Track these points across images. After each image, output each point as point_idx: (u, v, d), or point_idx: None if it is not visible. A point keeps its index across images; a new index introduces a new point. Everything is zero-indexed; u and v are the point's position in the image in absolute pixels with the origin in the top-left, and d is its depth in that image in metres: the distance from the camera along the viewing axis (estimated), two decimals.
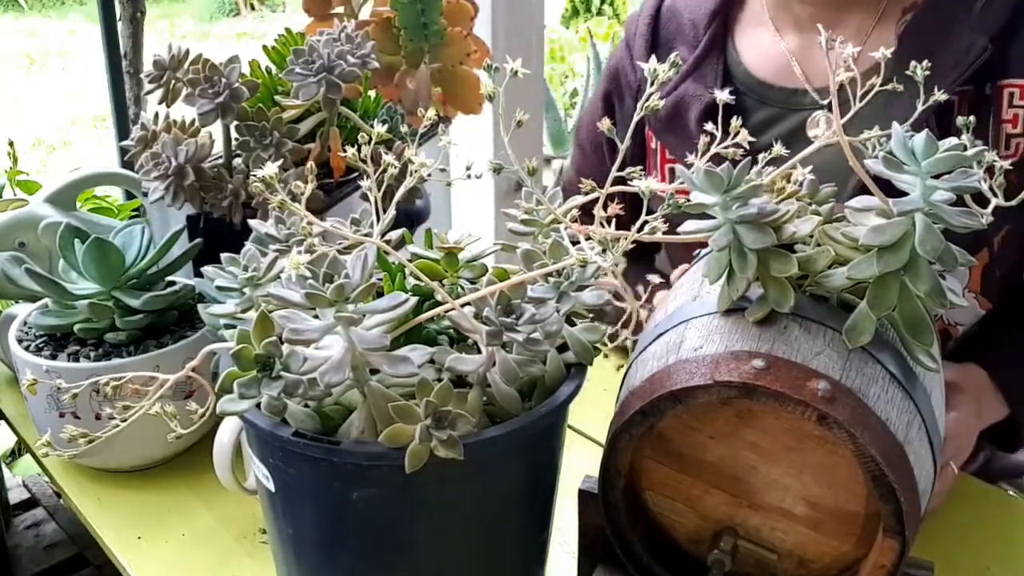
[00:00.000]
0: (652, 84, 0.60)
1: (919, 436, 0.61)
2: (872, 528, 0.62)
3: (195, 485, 0.93)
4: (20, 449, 1.78)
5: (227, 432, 0.73)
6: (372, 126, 0.60)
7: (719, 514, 0.67)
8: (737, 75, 1.06)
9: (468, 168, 0.62)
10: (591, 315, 0.66)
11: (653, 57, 0.62)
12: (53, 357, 0.89)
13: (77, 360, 0.89)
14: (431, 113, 0.64)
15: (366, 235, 0.57)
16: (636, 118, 0.60)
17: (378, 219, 0.59)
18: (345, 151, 0.59)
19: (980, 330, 1.00)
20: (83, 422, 0.86)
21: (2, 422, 1.11)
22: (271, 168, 0.55)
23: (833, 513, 0.63)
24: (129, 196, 1.40)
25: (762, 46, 1.06)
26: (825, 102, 0.62)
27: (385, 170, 0.58)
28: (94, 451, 0.93)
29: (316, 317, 0.55)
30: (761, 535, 0.66)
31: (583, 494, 0.71)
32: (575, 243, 0.59)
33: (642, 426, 0.63)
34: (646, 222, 0.57)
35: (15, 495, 1.74)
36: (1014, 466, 1.10)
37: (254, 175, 0.55)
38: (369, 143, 0.59)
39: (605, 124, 0.63)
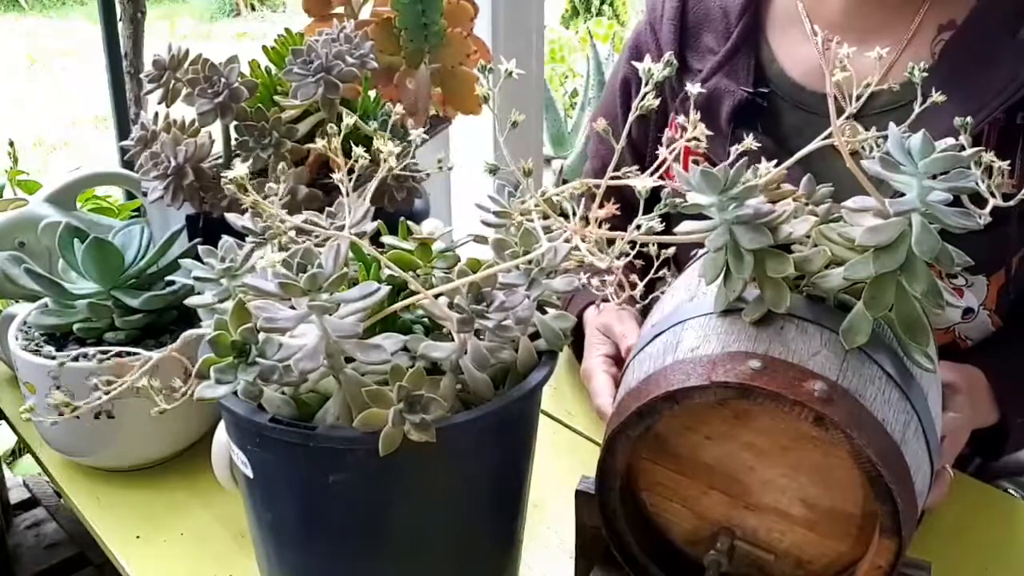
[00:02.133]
0: (646, 84, 0.59)
1: (916, 436, 0.61)
2: (869, 529, 0.62)
3: (194, 484, 0.93)
4: (20, 449, 1.78)
5: (225, 431, 0.73)
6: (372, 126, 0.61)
7: (716, 515, 0.67)
8: (771, 74, 1.02)
9: (439, 161, 0.63)
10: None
11: (647, 57, 0.61)
12: (53, 357, 0.89)
13: (76, 360, 0.89)
14: (418, 132, 0.64)
15: (339, 228, 0.57)
16: (631, 117, 0.60)
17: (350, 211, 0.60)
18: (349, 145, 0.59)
19: (985, 338, 0.99)
20: (83, 420, 0.86)
21: (2, 422, 1.11)
22: (242, 169, 0.55)
23: (830, 514, 0.63)
24: (129, 196, 1.40)
25: (795, 45, 1.02)
26: (851, 110, 0.60)
27: (356, 161, 0.59)
28: (94, 449, 0.94)
29: (292, 307, 0.56)
30: (758, 536, 0.66)
31: (580, 495, 0.71)
32: (575, 248, 0.59)
33: (639, 427, 0.63)
34: (640, 225, 0.57)
35: (15, 495, 1.74)
36: (1013, 464, 1.09)
37: (225, 176, 0.56)
38: (339, 136, 0.61)
39: (600, 125, 0.62)
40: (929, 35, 0.94)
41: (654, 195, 0.59)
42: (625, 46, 1.18)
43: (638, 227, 0.57)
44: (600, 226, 0.57)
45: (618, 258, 0.58)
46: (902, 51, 0.94)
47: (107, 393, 0.58)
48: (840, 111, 0.59)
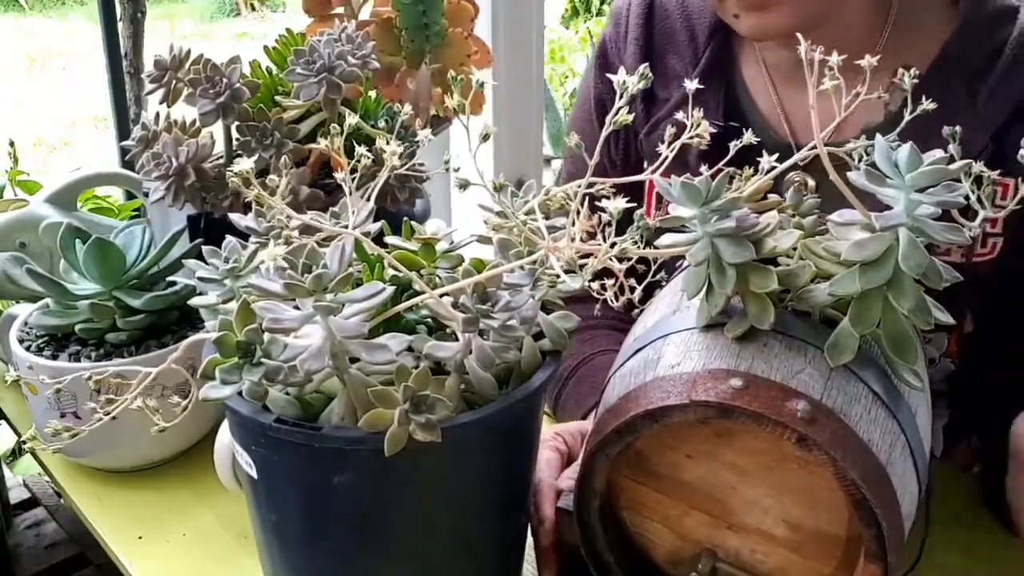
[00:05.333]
0: (621, 97, 0.56)
1: (903, 457, 0.60)
2: (854, 551, 0.60)
3: (196, 485, 0.93)
4: (21, 449, 1.78)
5: (228, 432, 0.73)
6: (373, 126, 0.61)
7: (698, 535, 0.66)
8: (745, 111, 0.93)
9: (446, 162, 0.62)
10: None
11: (622, 69, 0.58)
12: (54, 357, 0.89)
13: (78, 360, 0.89)
14: (424, 133, 0.64)
15: (343, 227, 0.57)
16: (604, 133, 0.57)
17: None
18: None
19: None
20: (84, 422, 0.86)
21: (2, 422, 1.11)
22: (247, 164, 0.55)
23: (814, 535, 0.62)
24: (129, 196, 1.40)
25: (761, 83, 0.94)
26: (798, 156, 0.56)
27: (359, 160, 0.59)
28: (95, 450, 0.94)
29: (296, 308, 0.56)
30: (741, 557, 0.65)
31: (559, 512, 0.70)
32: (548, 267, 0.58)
33: (618, 445, 0.62)
34: (615, 243, 0.56)
35: (16, 495, 1.74)
36: None
37: (231, 171, 0.56)
38: (341, 135, 0.61)
39: (573, 139, 0.61)
40: (883, 82, 0.83)
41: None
42: (592, 61, 1.06)
43: (612, 245, 0.56)
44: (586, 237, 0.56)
45: (592, 281, 0.58)
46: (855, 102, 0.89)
47: (108, 414, 0.58)
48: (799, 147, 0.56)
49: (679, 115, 0.68)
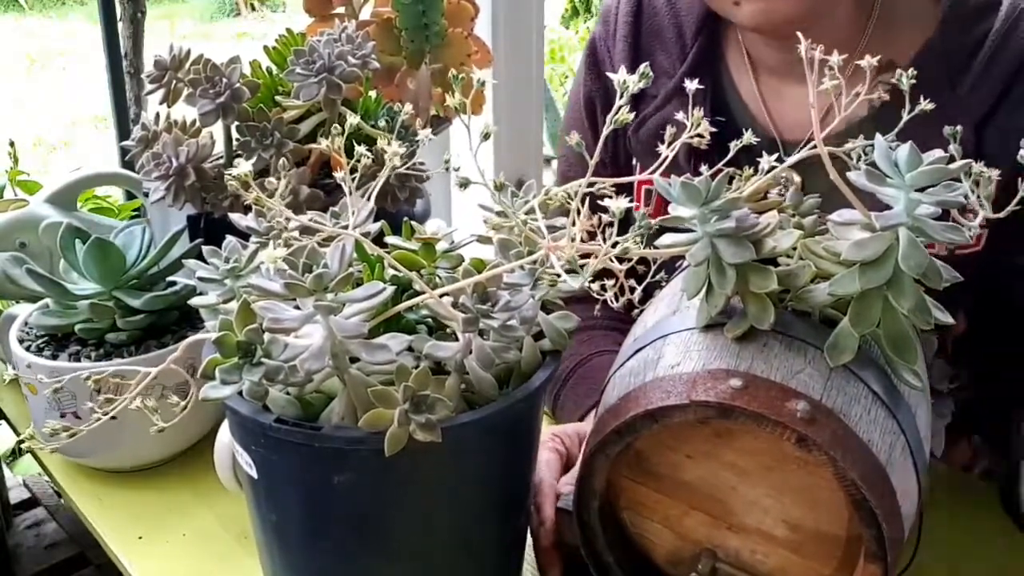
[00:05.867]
0: (621, 96, 0.56)
1: (903, 457, 0.59)
2: (854, 551, 0.60)
3: (196, 485, 0.93)
4: (21, 449, 1.78)
5: (228, 432, 0.73)
6: (373, 126, 0.61)
7: (698, 535, 0.66)
8: (732, 106, 0.92)
9: (446, 162, 0.62)
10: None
11: (623, 68, 0.58)
12: (54, 357, 0.89)
13: (78, 360, 0.89)
14: (425, 132, 0.64)
15: (343, 227, 0.57)
16: (605, 131, 0.57)
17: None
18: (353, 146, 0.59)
19: None
20: (83, 422, 0.86)
21: (2, 422, 1.11)
22: (245, 167, 0.55)
23: (814, 535, 0.62)
24: (129, 196, 1.40)
25: (746, 79, 0.94)
26: (790, 161, 0.55)
27: (359, 160, 0.59)
28: (95, 450, 0.94)
29: (297, 307, 0.56)
30: (741, 557, 0.65)
31: (559, 512, 0.70)
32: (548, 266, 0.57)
33: (618, 445, 0.62)
34: (617, 242, 0.55)
35: (16, 495, 1.74)
36: None
37: (229, 173, 0.56)
38: (342, 135, 0.61)
39: (574, 139, 0.61)
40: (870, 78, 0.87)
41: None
42: (583, 60, 1.06)
43: (614, 244, 0.56)
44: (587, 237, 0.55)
45: (592, 281, 0.57)
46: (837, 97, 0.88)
47: (106, 413, 0.58)
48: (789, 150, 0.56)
49: (679, 115, 0.66)
